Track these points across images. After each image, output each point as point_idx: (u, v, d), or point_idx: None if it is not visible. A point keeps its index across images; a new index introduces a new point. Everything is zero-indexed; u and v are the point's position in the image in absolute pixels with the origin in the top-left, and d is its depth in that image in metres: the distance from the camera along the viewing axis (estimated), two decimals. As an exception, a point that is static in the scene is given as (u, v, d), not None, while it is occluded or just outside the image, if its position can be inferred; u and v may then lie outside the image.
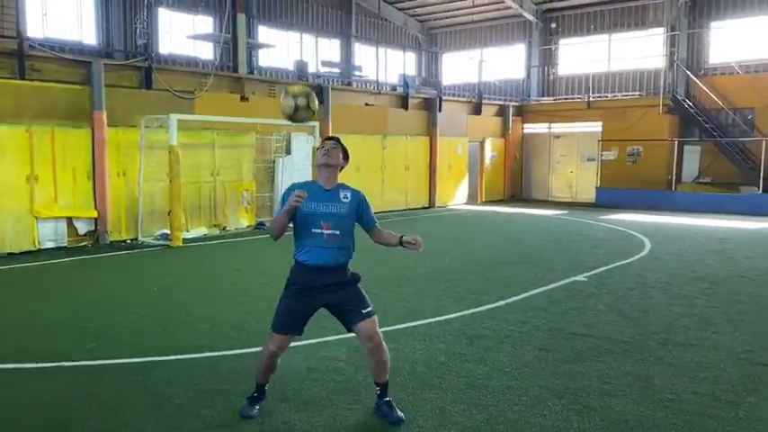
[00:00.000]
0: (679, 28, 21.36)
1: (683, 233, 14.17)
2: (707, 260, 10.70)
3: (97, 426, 4.24)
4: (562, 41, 24.57)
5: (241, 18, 16.87)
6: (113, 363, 5.55)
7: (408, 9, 26.33)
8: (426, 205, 20.47)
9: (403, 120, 19.56)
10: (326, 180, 4.27)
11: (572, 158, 23.43)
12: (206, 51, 19.37)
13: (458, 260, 10.72)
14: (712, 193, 19.62)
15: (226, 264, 10.55)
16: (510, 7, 24.10)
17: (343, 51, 24.30)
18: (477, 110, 22.47)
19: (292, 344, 5.78)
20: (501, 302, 7.67)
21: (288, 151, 15.57)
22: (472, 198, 22.40)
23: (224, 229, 14.32)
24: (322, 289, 4.18)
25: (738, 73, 20.21)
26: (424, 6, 25.91)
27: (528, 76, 25.11)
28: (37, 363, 5.53)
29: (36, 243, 11.39)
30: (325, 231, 4.13)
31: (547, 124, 23.90)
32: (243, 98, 14.99)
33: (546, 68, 24.84)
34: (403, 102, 19.86)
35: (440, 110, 20.51)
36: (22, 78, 11.45)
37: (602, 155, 21.90)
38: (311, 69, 20.47)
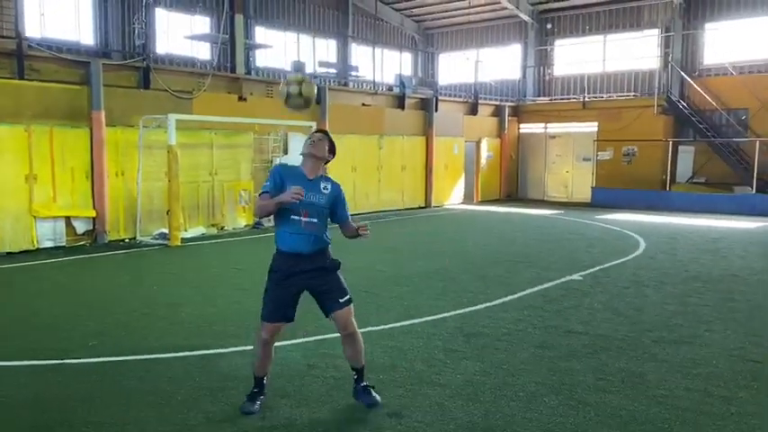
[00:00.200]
0: (673, 29, 21.50)
1: (678, 233, 14.29)
2: (700, 259, 10.82)
3: (101, 422, 4.31)
4: (558, 42, 24.69)
5: (238, 18, 16.93)
6: (115, 360, 5.62)
7: (405, 9, 26.42)
8: (423, 205, 20.56)
9: (399, 120, 19.64)
10: (310, 169, 4.44)
11: (568, 158, 23.56)
12: (203, 52, 19.42)
13: (454, 259, 10.80)
14: (706, 192, 19.77)
15: (224, 263, 10.62)
16: (506, 8, 24.21)
17: (340, 52, 24.38)
18: (473, 110, 22.57)
19: (292, 341, 5.93)
20: (497, 301, 7.76)
21: (285, 151, 15.62)
22: (468, 198, 22.50)
23: (222, 228, 14.38)
24: (302, 275, 4.35)
25: (732, 74, 20.35)
26: (420, 7, 26.00)
27: (524, 76, 25.23)
28: (39, 360, 5.59)
29: (35, 242, 11.44)
30: (304, 219, 4.31)
31: (543, 124, 24.02)
32: (241, 98, 15.06)
33: (542, 69, 24.96)
34: (399, 102, 19.94)
35: (436, 110, 20.60)
36: (21, 78, 11.49)
37: (597, 155, 22.03)
38: (308, 70, 20.52)
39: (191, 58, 18.90)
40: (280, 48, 21.75)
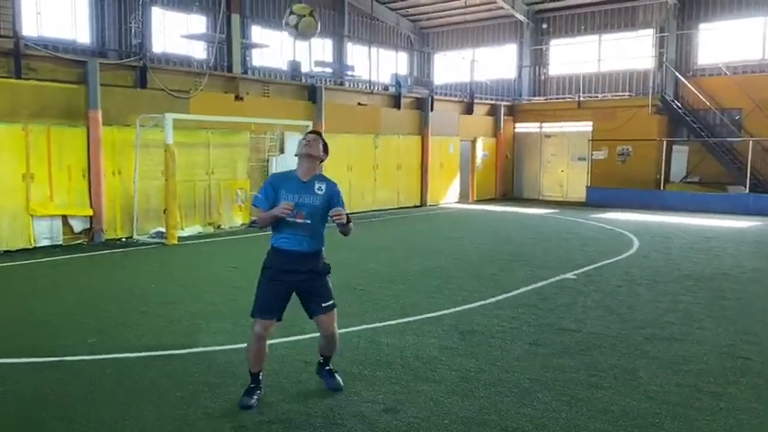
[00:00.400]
0: (668, 29, 21.63)
1: (671, 232, 14.41)
2: (693, 258, 10.92)
3: (101, 417, 4.38)
4: (553, 42, 24.80)
5: (235, 18, 16.94)
6: (114, 357, 5.68)
7: (401, 9, 26.49)
8: (418, 204, 20.64)
9: (395, 119, 19.72)
10: (305, 171, 4.56)
11: (563, 158, 23.68)
12: (199, 51, 19.45)
13: (449, 258, 10.88)
14: (700, 192, 19.91)
15: (221, 261, 10.68)
16: (501, 8, 24.31)
17: (336, 51, 24.44)
18: (468, 109, 22.66)
19: (289, 338, 6.01)
20: (492, 299, 7.85)
21: (281, 150, 15.69)
22: (464, 197, 22.59)
23: (218, 227, 14.44)
24: (294, 274, 4.48)
25: (726, 74, 20.49)
26: (416, 6, 26.06)
27: (519, 75, 25.33)
28: (37, 358, 5.65)
29: (32, 241, 11.48)
30: (298, 221, 4.44)
31: (538, 124, 24.13)
32: (237, 98, 15.11)
33: (537, 68, 25.07)
34: (395, 101, 20.01)
35: (432, 109, 20.68)
36: (18, 77, 11.52)
37: (592, 154, 22.16)
38: (304, 69, 20.57)
39: (187, 57, 18.93)
40: (276, 47, 21.77)
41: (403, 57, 27.84)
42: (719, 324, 6.79)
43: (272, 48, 21.23)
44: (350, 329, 6.27)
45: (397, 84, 20.99)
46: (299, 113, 16.32)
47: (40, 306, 7.55)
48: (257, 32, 21.49)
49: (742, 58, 20.42)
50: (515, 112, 24.43)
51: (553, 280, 9.01)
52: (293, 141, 15.66)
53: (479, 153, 22.94)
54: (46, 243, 11.66)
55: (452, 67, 26.61)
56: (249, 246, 12.52)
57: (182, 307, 7.46)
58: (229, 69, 16.32)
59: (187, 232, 13.40)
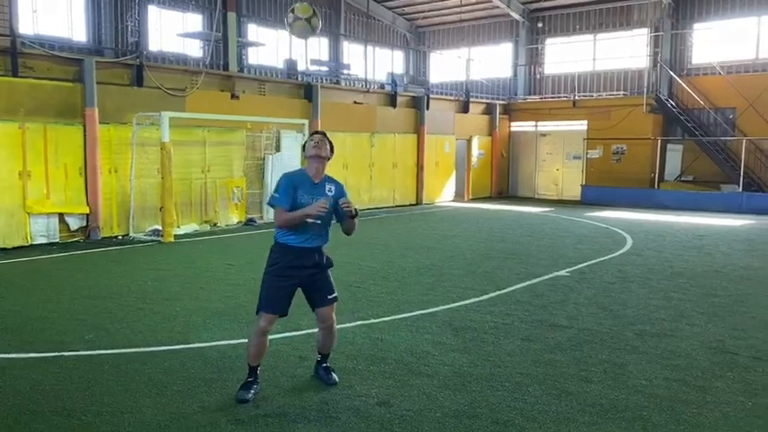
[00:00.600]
0: (662, 29, 21.74)
1: (664, 230, 14.52)
2: (685, 256, 11.03)
3: (99, 410, 4.45)
4: (548, 41, 24.91)
5: (231, 16, 16.99)
6: (112, 353, 5.74)
7: (397, 8, 26.56)
8: (414, 202, 20.72)
9: (391, 118, 19.79)
10: (316, 172, 4.65)
11: (558, 156, 23.79)
12: (195, 49, 19.50)
13: (444, 255, 10.97)
14: (694, 190, 20.05)
15: (217, 259, 10.73)
16: (497, 7, 24.40)
17: (332, 50, 24.50)
18: (464, 108, 22.75)
19: (285, 334, 6.08)
20: (486, 296, 7.94)
21: (277, 148, 15.75)
22: (459, 195, 22.68)
23: (214, 225, 14.49)
24: (301, 269, 4.60)
25: (720, 73, 20.62)
26: (412, 5, 26.13)
27: (515, 74, 25.43)
28: (36, 353, 5.71)
29: (28, 238, 11.52)
30: (310, 220, 4.53)
31: (533, 123, 24.25)
32: (233, 96, 15.17)
33: (532, 67, 25.17)
34: (391, 100, 20.09)
35: (427, 108, 20.76)
36: (15, 76, 11.56)
37: (587, 153, 22.28)
38: (300, 67, 20.63)
39: (183, 55, 18.98)
40: (272, 45, 21.84)
41: (399, 55, 27.91)
42: (709, 320, 6.89)
43: (268, 46, 21.32)
44: (345, 325, 6.34)
45: (393, 82, 21.08)
46: (295, 112, 16.38)
47: (38, 303, 7.61)
48: (253, 31, 21.56)
49: (736, 57, 20.56)
50: (511, 111, 24.53)
51: (547, 277, 9.11)
52: (289, 140, 15.76)
53: (475, 152, 23.03)
54: (42, 241, 11.71)
55: (448, 65, 26.71)
56: (245, 244, 12.59)
57: (178, 304, 7.53)
58: (225, 68, 16.37)
59: (183, 230, 13.45)
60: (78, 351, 5.74)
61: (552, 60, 24.85)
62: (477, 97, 23.79)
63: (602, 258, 10.69)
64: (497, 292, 8.14)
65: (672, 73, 21.34)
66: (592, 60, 23.67)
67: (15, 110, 11.38)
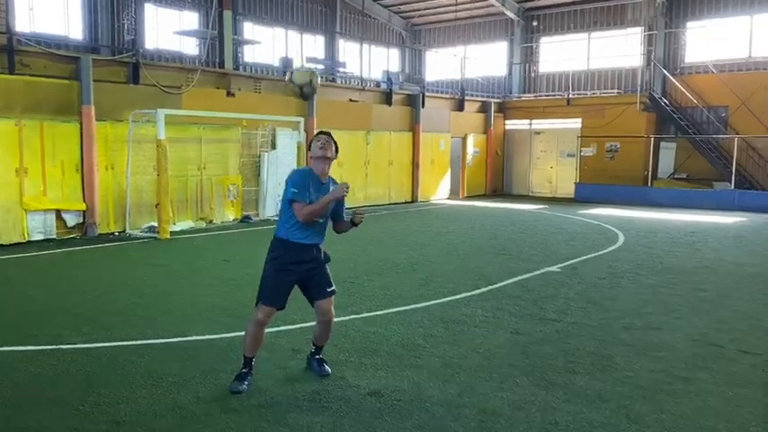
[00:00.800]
0: (656, 27, 21.90)
1: (656, 227, 14.67)
2: (676, 252, 11.17)
3: (96, 400, 4.55)
4: (543, 39, 25.04)
5: (227, 14, 17.08)
6: (108, 345, 5.85)
7: (392, 6, 26.65)
8: (409, 200, 20.83)
9: (386, 116, 19.90)
10: (322, 172, 4.81)
11: (552, 154, 23.94)
12: (191, 47, 19.58)
13: (438, 252, 11.09)
14: (687, 188, 20.21)
15: (212, 255, 10.83)
16: (492, 5, 24.52)
17: (328, 48, 24.59)
18: (459, 106, 22.88)
19: (279, 328, 6.18)
20: (477, 291, 8.06)
21: (273, 146, 15.84)
22: (454, 193, 22.81)
23: (210, 222, 14.58)
24: (300, 264, 4.75)
25: (713, 72, 20.77)
26: (408, 3, 26.24)
27: (510, 73, 25.57)
28: (34, 346, 5.82)
29: (25, 235, 11.60)
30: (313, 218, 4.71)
31: (528, 121, 24.39)
32: (229, 93, 15.26)
33: (527, 66, 25.31)
34: (387, 98, 20.19)
35: (423, 106, 20.87)
36: (12, 73, 11.64)
37: (581, 151, 22.43)
38: (296, 65, 20.72)
39: (179, 53, 19.05)
40: (268, 43, 21.93)
41: (395, 53, 28.02)
42: (695, 314, 7.02)
43: (264, 44, 21.40)
44: (339, 319, 6.39)
45: (389, 80, 21.16)
46: (291, 109, 16.45)
47: (35, 297, 7.70)
48: (249, 29, 21.64)
49: (728, 56, 20.73)
50: (506, 109, 24.66)
51: (538, 273, 9.24)
52: (285, 137, 15.85)
53: (470, 150, 23.16)
54: (39, 237, 11.79)
55: (444, 64, 26.82)
56: (241, 240, 12.70)
57: (174, 298, 7.64)
58: (221, 65, 16.47)
59: (179, 227, 13.54)
60: (76, 344, 5.85)
61: (547, 59, 24.99)
62: (472, 95, 23.92)
63: (593, 254, 10.83)
64: (489, 287, 8.26)
65: (665, 71, 21.49)
66: (586, 59, 23.81)
67: (12, 107, 11.45)
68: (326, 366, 5.09)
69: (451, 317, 6.81)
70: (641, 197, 20.17)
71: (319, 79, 4.55)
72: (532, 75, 25.29)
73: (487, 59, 25.99)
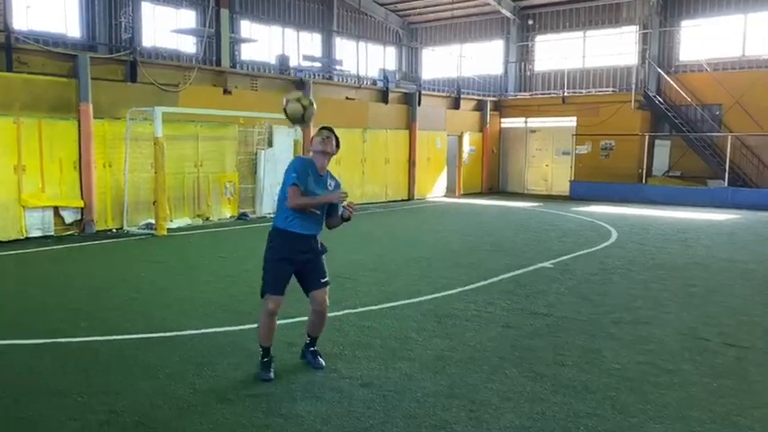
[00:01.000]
0: (651, 26, 22.03)
1: (649, 224, 14.80)
2: (668, 249, 11.30)
3: (94, 391, 4.66)
4: (539, 38, 25.14)
5: (224, 12, 17.18)
6: (106, 339, 5.95)
7: (389, 4, 26.73)
8: (406, 198, 20.95)
9: (383, 114, 19.99)
10: (322, 165, 4.97)
11: (547, 152, 24.07)
12: (188, 45, 19.65)
13: (433, 248, 11.21)
14: (681, 186, 20.35)
15: (209, 252, 10.94)
16: (488, 4, 24.62)
17: (325, 46, 24.67)
18: (455, 104, 22.98)
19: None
20: (470, 286, 8.17)
21: (270, 144, 15.94)
22: (451, 191, 22.92)
23: (207, 219, 14.68)
24: (300, 254, 4.89)
25: (707, 70, 20.90)
26: (404, 2, 26.31)
27: (505, 71, 25.68)
28: (33, 340, 5.92)
29: (24, 232, 11.69)
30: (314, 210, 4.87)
31: (523, 119, 24.50)
32: (226, 91, 15.35)
33: (523, 64, 25.41)
34: (383, 96, 20.28)
35: (419, 104, 20.98)
36: (10, 71, 11.72)
37: (576, 149, 22.56)
38: (293, 63, 20.82)
39: (176, 51, 19.13)
40: (264, 41, 22.00)
41: (391, 51, 28.10)
42: (684, 309, 7.15)
43: (261, 42, 21.47)
44: (333, 314, 6.51)
45: (385, 78, 21.26)
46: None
47: (34, 293, 7.80)
48: (246, 27, 21.72)
49: (722, 54, 20.86)
50: (501, 108, 24.78)
51: (531, 269, 9.36)
52: (281, 135, 15.94)
53: (466, 148, 23.27)
54: (38, 234, 11.88)
55: (440, 62, 26.93)
56: (237, 237, 12.81)
57: (171, 294, 7.74)
58: (218, 63, 16.56)
59: (176, 224, 13.64)
60: (74, 338, 5.95)
61: (542, 57, 25.10)
62: (468, 94, 24.03)
63: (585, 251, 10.95)
64: (482, 283, 8.37)
65: (660, 70, 21.62)
66: (581, 57, 23.91)
67: (10, 105, 11.53)
68: (321, 359, 5.20)
69: (444, 311, 6.92)
70: (635, 195, 20.31)
71: (314, 107, 4.55)
72: (528, 73, 25.40)
73: (483, 58, 26.10)
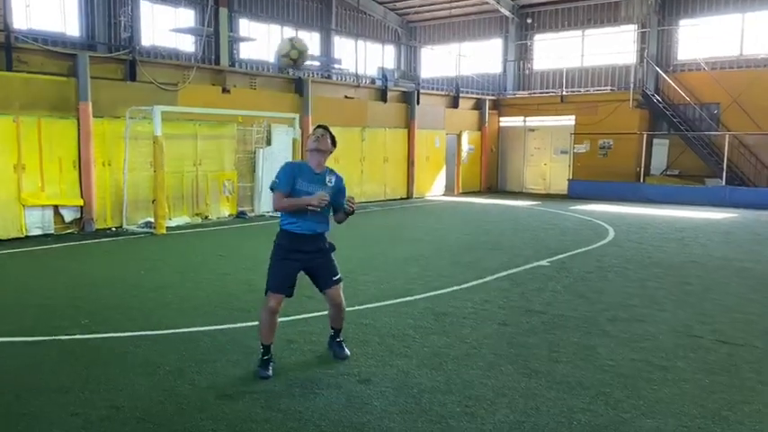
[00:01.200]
0: (649, 25, 22.09)
1: (647, 223, 14.87)
2: (665, 247, 11.37)
3: (96, 388, 4.72)
4: (537, 37, 25.20)
5: (222, 11, 17.21)
6: (107, 336, 6.01)
7: (388, 2, 26.77)
8: (405, 196, 21.01)
9: (382, 112, 20.04)
10: (317, 163, 5.05)
11: (546, 151, 24.13)
12: (187, 44, 19.68)
13: (431, 247, 11.27)
14: (679, 184, 20.43)
15: (208, 250, 11.00)
16: (487, 2, 24.67)
17: (323, 44, 24.71)
18: (454, 103, 23.04)
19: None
20: (468, 284, 8.24)
21: (268, 142, 15.99)
22: (449, 189, 22.99)
23: (206, 217, 14.74)
24: (303, 254, 4.99)
25: (705, 69, 20.97)
26: (403, 0, 26.35)
27: (504, 70, 25.74)
28: (34, 337, 5.98)
29: (23, 230, 11.75)
30: (309, 208, 4.90)
31: (522, 118, 24.56)
32: (224, 90, 15.40)
33: (521, 63, 25.47)
34: (382, 95, 20.34)
35: (418, 103, 21.03)
36: (9, 70, 11.77)
37: (574, 148, 22.63)
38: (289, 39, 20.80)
39: (175, 50, 19.16)
40: (263, 40, 22.03)
41: (390, 50, 28.15)
42: (679, 307, 7.21)
43: (259, 41, 21.49)
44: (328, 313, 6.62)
45: (384, 77, 21.31)
46: (286, 106, 16.61)
47: (35, 290, 7.86)
48: (245, 26, 21.76)
49: (720, 53, 20.93)
50: (500, 107, 24.84)
51: (527, 267, 9.42)
52: (280, 134, 16.00)
53: (465, 147, 23.33)
54: (38, 232, 11.94)
55: (439, 61, 26.98)
56: (236, 236, 12.86)
57: (170, 292, 7.80)
58: (217, 62, 16.60)
59: (175, 222, 13.70)
60: (75, 335, 6.01)
61: (541, 56, 25.16)
62: (467, 92, 24.09)
63: (582, 249, 11.02)
64: (479, 281, 8.44)
65: (658, 69, 21.69)
66: (580, 56, 23.98)
67: (10, 104, 11.59)
68: (346, 349, 5.37)
69: (441, 309, 6.99)
70: (634, 193, 20.38)
71: (306, 53, 4.82)
72: (527, 72, 25.46)
73: (482, 57, 26.15)
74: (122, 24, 15.16)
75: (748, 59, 20.50)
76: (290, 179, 4.92)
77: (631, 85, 21.67)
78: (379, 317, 6.66)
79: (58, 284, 8.29)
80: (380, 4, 26.78)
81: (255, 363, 5.08)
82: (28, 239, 11.65)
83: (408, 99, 20.98)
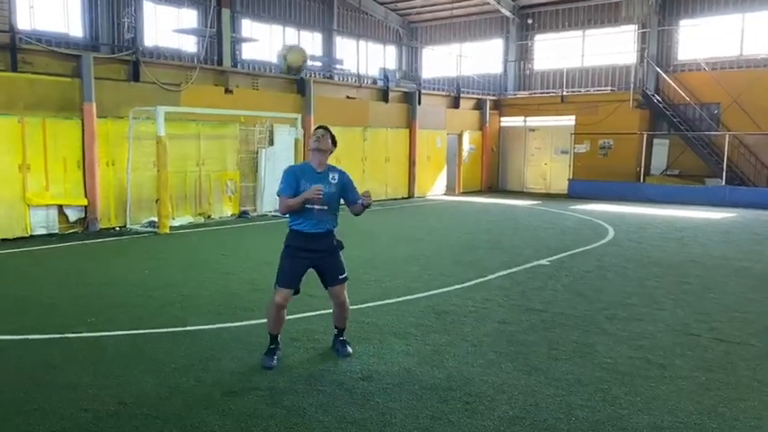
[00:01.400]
0: (649, 25, 22.16)
1: (647, 222, 14.95)
2: (664, 247, 11.45)
3: (103, 384, 4.82)
4: (538, 37, 25.27)
5: (225, 12, 17.32)
6: (113, 334, 6.11)
7: (389, 3, 26.86)
8: (406, 196, 21.10)
9: (383, 112, 20.13)
10: (318, 163, 5.22)
11: (546, 151, 24.22)
12: (190, 44, 19.79)
13: (432, 246, 11.36)
14: (679, 184, 20.50)
15: (211, 249, 11.09)
16: (488, 3, 24.74)
17: (325, 45, 24.81)
18: (455, 103, 23.12)
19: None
20: (468, 283, 8.33)
21: (271, 142, 16.08)
22: (450, 189, 23.08)
23: (209, 217, 14.83)
24: (311, 252, 5.15)
25: (705, 69, 21.03)
26: (404, 1, 26.44)
27: (505, 70, 25.82)
28: (42, 335, 6.08)
29: (28, 230, 11.85)
30: (316, 207, 5.11)
31: (522, 118, 24.64)
32: (227, 90, 15.49)
33: (522, 63, 25.54)
34: (383, 95, 20.42)
35: (419, 103, 21.12)
36: (14, 71, 11.87)
37: (574, 148, 22.71)
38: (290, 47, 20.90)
39: (178, 51, 19.27)
40: (265, 41, 22.13)
41: (391, 51, 28.24)
42: (677, 305, 7.30)
43: (262, 41, 21.60)
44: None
45: (386, 77, 21.40)
46: (288, 106, 16.70)
47: (41, 289, 7.95)
48: (247, 26, 21.86)
49: (720, 54, 20.99)
50: (501, 107, 24.92)
51: (528, 266, 9.51)
52: (282, 134, 16.10)
53: (466, 147, 23.42)
54: (42, 232, 12.04)
55: (440, 61, 27.06)
56: (238, 235, 12.95)
57: (175, 290, 7.89)
58: (219, 63, 16.70)
59: (178, 222, 13.79)
60: (82, 333, 6.11)
61: (541, 56, 25.23)
62: (467, 93, 24.18)
63: (582, 249, 11.10)
64: (479, 280, 8.53)
65: (658, 69, 21.76)
66: (580, 56, 24.05)
67: (15, 104, 11.69)
68: (349, 347, 5.50)
69: (442, 307, 7.08)
70: (634, 193, 20.46)
71: (304, 60, 5.00)
72: (527, 72, 25.54)
73: (483, 57, 26.23)
74: (126, 25, 15.27)
75: (748, 59, 20.57)
76: (293, 182, 5.08)
77: (631, 86, 21.75)
78: (381, 315, 6.76)
79: (64, 283, 8.38)
80: (382, 4, 26.86)
81: (260, 359, 5.22)
82: (32, 239, 11.75)
83: (410, 99, 21.07)
